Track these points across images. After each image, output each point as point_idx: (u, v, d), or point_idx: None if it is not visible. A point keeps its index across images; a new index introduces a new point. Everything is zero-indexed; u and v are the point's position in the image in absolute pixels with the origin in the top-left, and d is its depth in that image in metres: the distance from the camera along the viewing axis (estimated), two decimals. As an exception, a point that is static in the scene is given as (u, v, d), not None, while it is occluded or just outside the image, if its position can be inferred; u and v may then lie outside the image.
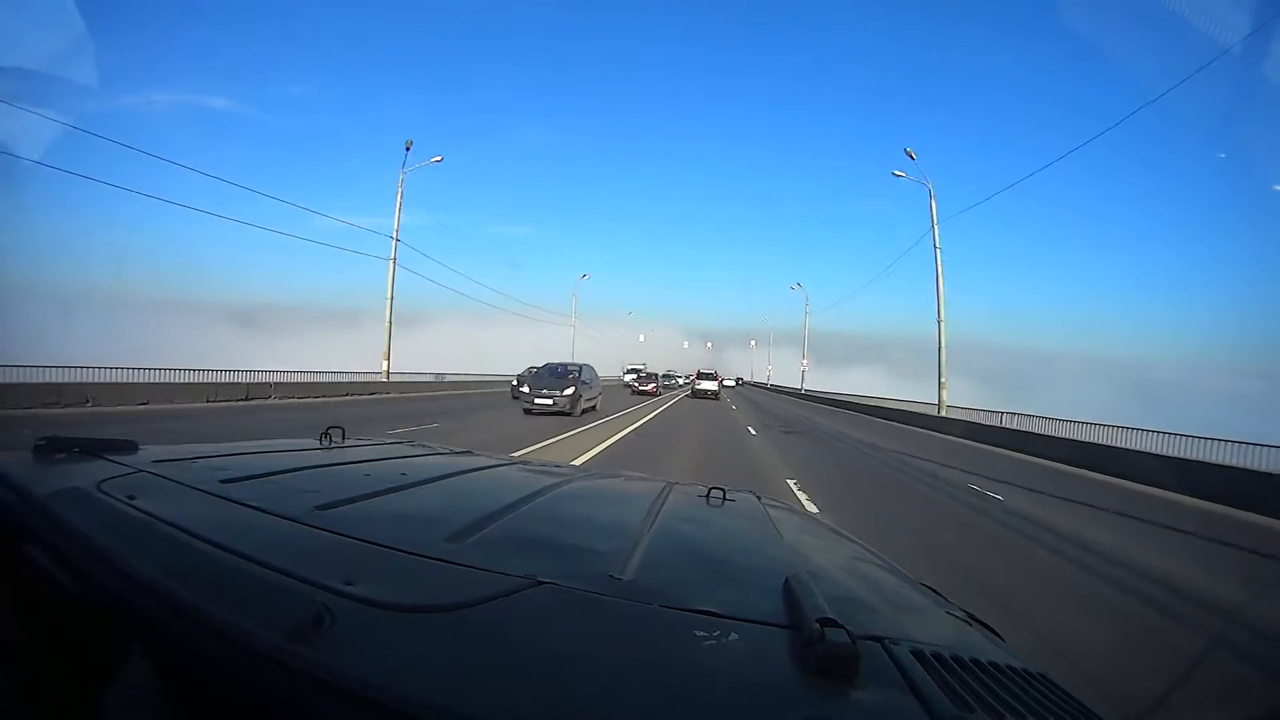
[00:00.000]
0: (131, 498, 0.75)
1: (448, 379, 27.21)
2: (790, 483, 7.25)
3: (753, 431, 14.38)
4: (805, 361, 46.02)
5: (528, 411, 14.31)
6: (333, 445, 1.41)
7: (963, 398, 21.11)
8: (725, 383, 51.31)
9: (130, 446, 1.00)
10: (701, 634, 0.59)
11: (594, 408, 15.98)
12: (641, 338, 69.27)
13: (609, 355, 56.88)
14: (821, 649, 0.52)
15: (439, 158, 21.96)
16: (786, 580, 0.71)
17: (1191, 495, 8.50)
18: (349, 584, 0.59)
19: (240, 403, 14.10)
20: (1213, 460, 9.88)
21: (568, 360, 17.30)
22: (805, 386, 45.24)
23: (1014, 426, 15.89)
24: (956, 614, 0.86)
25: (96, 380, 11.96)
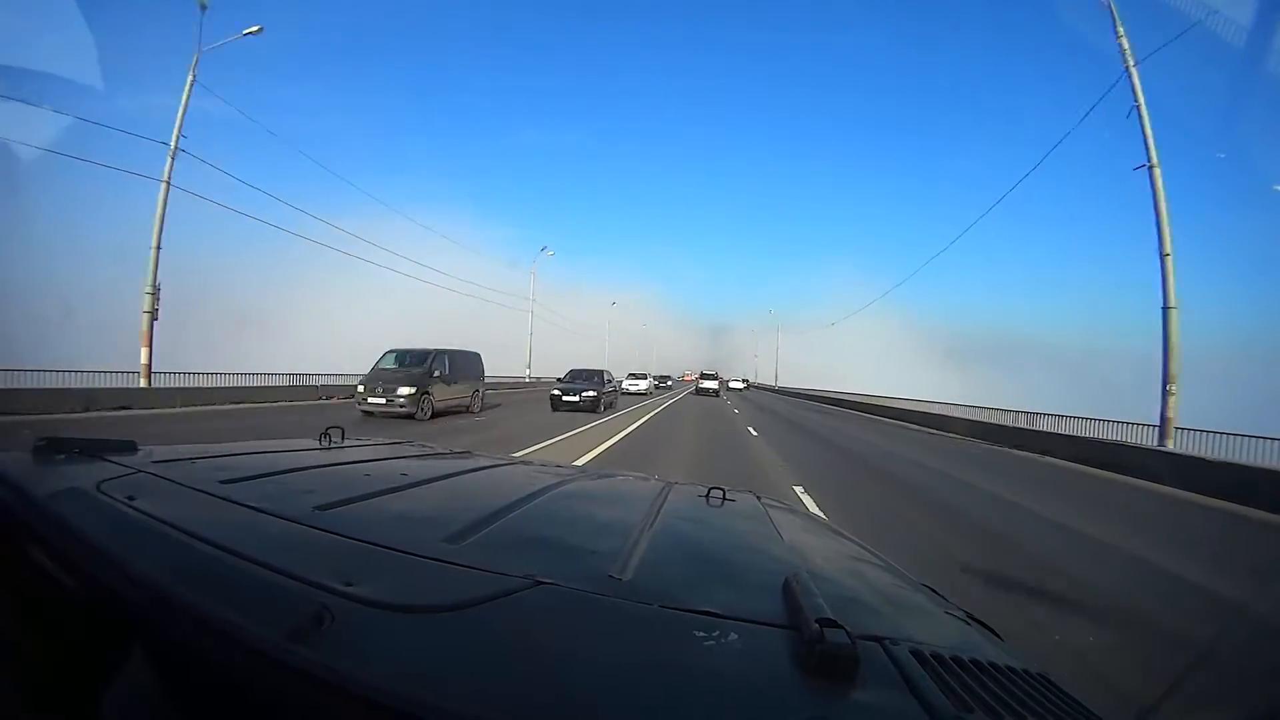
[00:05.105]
0: (131, 498, 0.75)
1: (311, 381, 16.66)
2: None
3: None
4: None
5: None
6: (332, 445, 1.42)
7: (1043, 401, 14.34)
8: (731, 385, 48.76)
9: (129, 447, 1.01)
10: (701, 634, 0.59)
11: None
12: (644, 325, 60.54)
13: (613, 353, 55.36)
14: (821, 649, 0.52)
15: (257, 27, 14.63)
16: (786, 580, 0.71)
17: None
18: (349, 584, 0.59)
19: None
20: None
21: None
22: (825, 387, 35.65)
23: None
24: (956, 614, 0.85)
25: None
